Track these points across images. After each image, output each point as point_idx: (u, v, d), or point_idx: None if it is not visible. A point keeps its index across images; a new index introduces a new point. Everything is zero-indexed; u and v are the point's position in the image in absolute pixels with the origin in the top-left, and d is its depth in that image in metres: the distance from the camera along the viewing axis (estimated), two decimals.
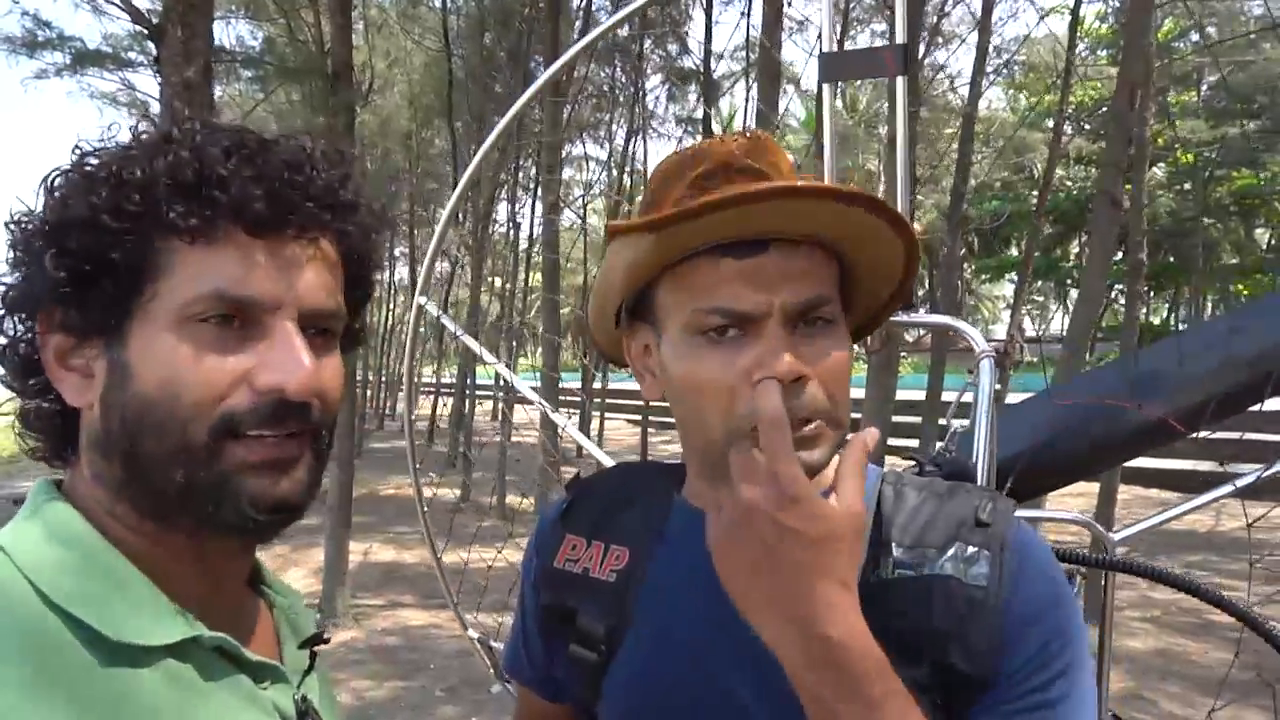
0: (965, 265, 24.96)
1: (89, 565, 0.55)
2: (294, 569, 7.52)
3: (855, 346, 0.81)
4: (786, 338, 0.67)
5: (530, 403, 2.07)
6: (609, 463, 1.77)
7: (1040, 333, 36.79)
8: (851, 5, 13.53)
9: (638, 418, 17.18)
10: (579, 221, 20.15)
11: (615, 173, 16.27)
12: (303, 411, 0.58)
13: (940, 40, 14.29)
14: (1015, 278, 18.18)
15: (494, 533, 8.73)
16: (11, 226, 0.59)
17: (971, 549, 0.69)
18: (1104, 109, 20.37)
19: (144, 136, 0.60)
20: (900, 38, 1.32)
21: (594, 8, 12.58)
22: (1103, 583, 1.19)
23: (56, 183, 0.58)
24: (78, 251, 0.55)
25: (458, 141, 13.41)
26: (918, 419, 9.77)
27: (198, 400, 0.55)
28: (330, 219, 0.61)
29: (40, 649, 0.50)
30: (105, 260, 0.55)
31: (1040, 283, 28.99)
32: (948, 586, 0.67)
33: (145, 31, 3.25)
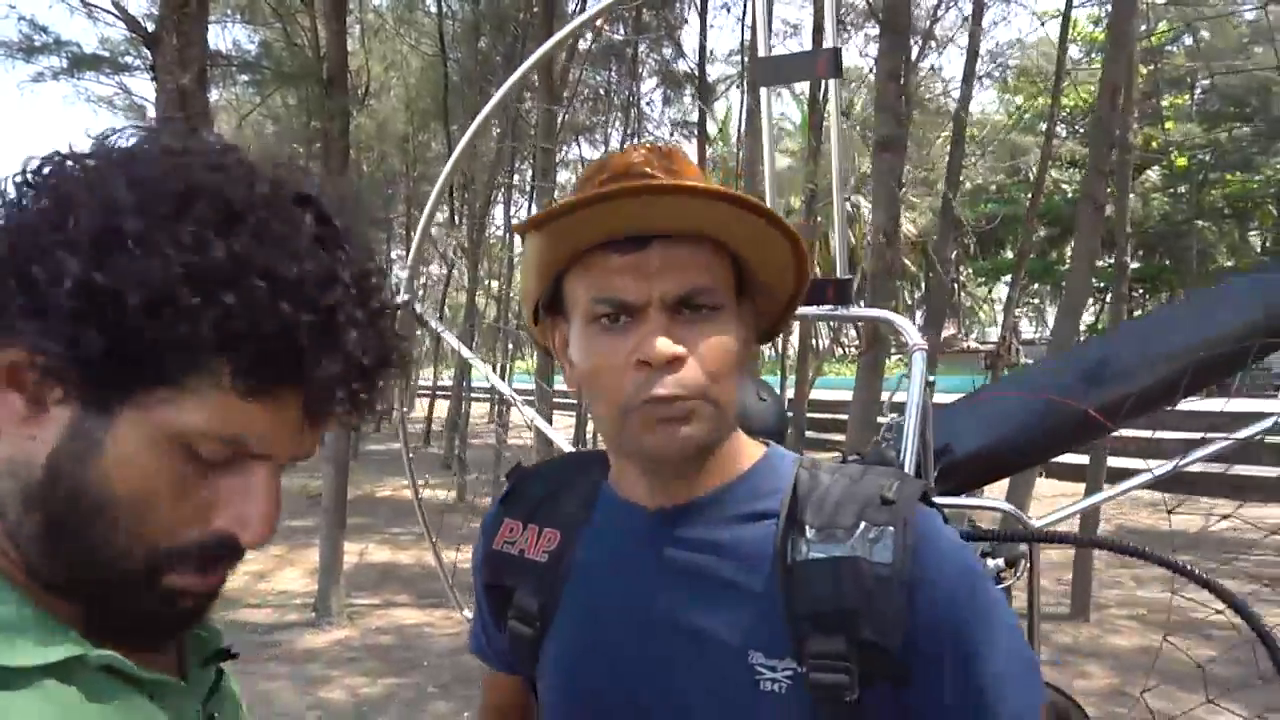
0: (960, 268, 25.02)
1: None
2: (289, 569, 7.57)
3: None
4: (666, 324, 0.72)
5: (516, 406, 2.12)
6: (566, 445, 1.84)
7: (1037, 335, 36.88)
8: (844, 11, 13.62)
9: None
10: None
11: None
12: (238, 552, 0.56)
13: (933, 44, 14.38)
14: (1010, 280, 18.27)
15: None
16: (12, 230, 0.51)
17: (876, 529, 0.73)
18: (1094, 112, 20.45)
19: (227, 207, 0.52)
20: (830, 42, 1.39)
21: (587, 10, 12.64)
22: (1028, 557, 1.25)
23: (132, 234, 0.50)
24: (106, 327, 0.48)
25: (454, 145, 13.48)
26: None
27: (159, 532, 0.52)
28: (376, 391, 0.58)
29: None
30: (127, 352, 0.48)
31: (1036, 285, 29.06)
32: (856, 566, 0.71)
33: (141, 38, 3.30)
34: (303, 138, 15.97)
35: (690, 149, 18.88)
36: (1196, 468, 1.32)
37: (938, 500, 0.82)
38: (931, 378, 1.18)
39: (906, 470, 1.12)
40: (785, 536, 0.75)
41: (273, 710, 4.64)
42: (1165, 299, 29.34)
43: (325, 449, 5.95)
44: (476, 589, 0.95)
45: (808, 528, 0.75)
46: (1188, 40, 18.01)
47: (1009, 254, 27.07)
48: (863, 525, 0.73)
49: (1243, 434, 1.38)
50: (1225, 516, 2.79)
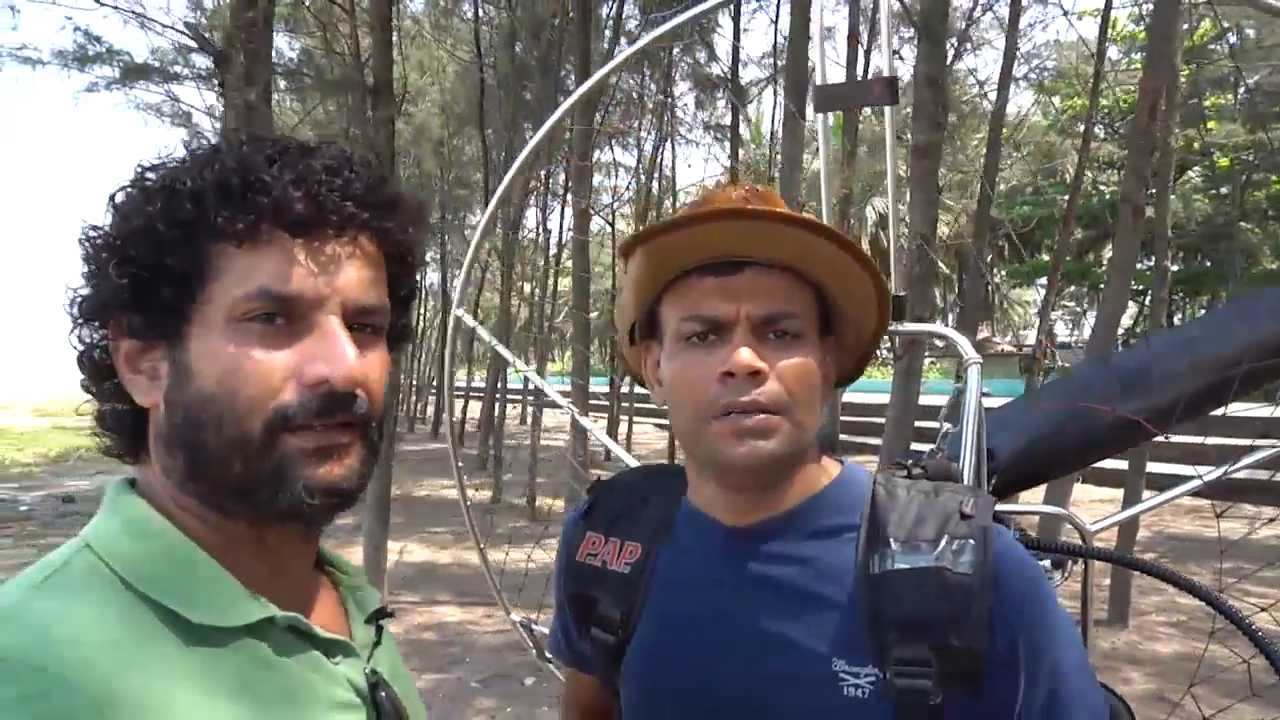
0: (995, 270, 24.75)
1: (166, 555, 0.59)
2: None
3: (878, 354, 0.91)
4: (751, 341, 0.78)
5: (560, 407, 2.18)
6: (635, 465, 1.89)
7: (1073, 338, 36.36)
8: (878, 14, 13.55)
9: (664, 422, 17.26)
10: (608, 227, 20.32)
11: (644, 179, 16.41)
12: (348, 402, 0.60)
13: (969, 46, 14.27)
14: (1045, 283, 18.04)
15: (526, 532, 8.87)
16: (83, 242, 0.62)
17: (958, 541, 0.77)
18: (1133, 114, 20.13)
19: (195, 151, 0.63)
20: (888, 71, 1.45)
21: (624, 16, 12.74)
22: (1081, 570, 1.29)
23: (118, 198, 0.62)
24: (138, 260, 0.59)
25: (489, 149, 13.64)
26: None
27: (251, 396, 0.58)
28: (369, 218, 0.63)
29: (128, 630, 0.53)
30: (163, 266, 0.58)
31: (1072, 287, 28.65)
32: (941, 576, 0.75)
33: (211, 56, 3.44)
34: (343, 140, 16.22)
35: (721, 152, 18.89)
36: (1244, 474, 1.35)
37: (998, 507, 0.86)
38: (987, 389, 1.23)
39: (966, 481, 1.16)
40: (868, 550, 0.80)
41: None
42: (1206, 302, 28.79)
43: None
44: (557, 595, 1.00)
45: (892, 541, 0.79)
46: (1231, 38, 17.67)
47: (1044, 256, 26.71)
48: (945, 538, 0.77)
49: None
50: (1271, 520, 2.81)
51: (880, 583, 0.77)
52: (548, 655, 2.00)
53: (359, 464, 0.63)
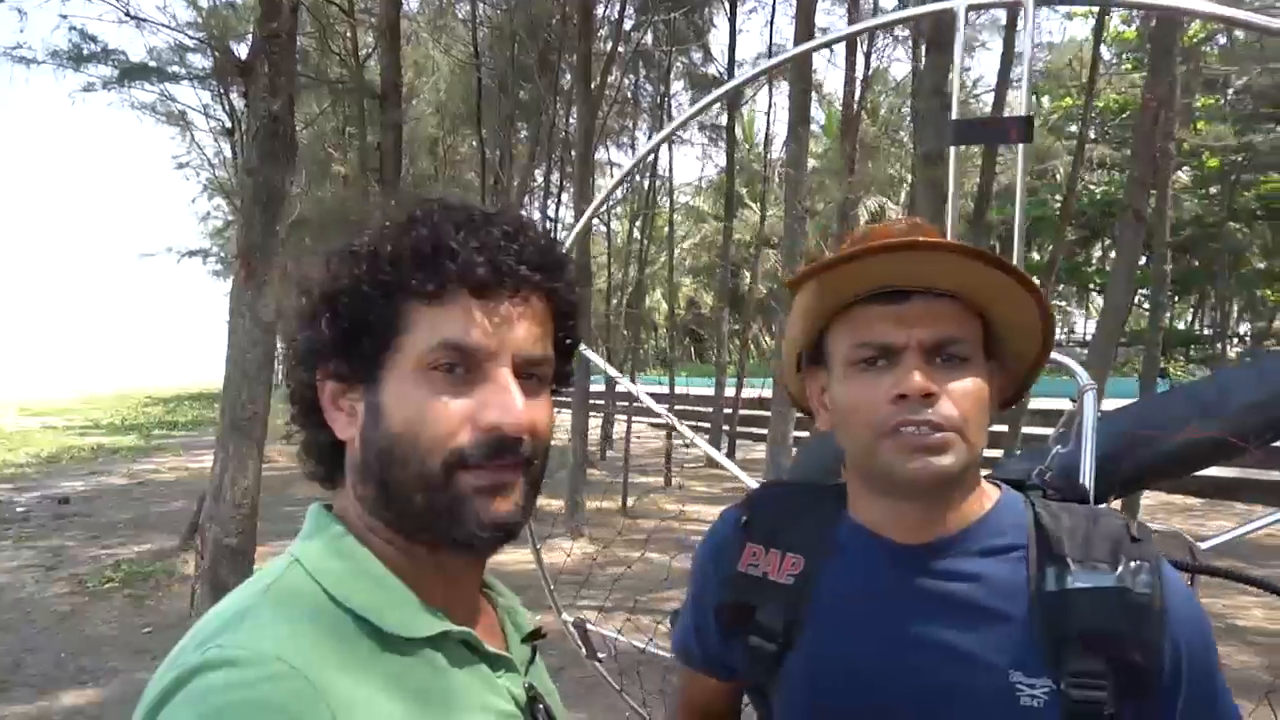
0: None
1: (362, 573, 0.66)
2: None
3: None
4: (922, 365, 0.82)
5: (659, 416, 2.16)
6: (738, 471, 1.90)
7: (1064, 337, 36.60)
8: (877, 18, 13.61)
9: (660, 422, 17.23)
10: (603, 227, 20.33)
11: (639, 179, 16.45)
12: (516, 445, 0.66)
13: (968, 49, 14.30)
14: (1039, 282, 18.11)
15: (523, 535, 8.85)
16: (301, 295, 0.72)
17: (1135, 563, 0.81)
18: (1127, 114, 20.29)
19: (395, 219, 0.71)
20: (1025, 110, 1.48)
21: (624, 17, 12.75)
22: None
23: (331, 260, 0.70)
24: (344, 314, 0.67)
25: (486, 149, 13.65)
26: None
27: (433, 437, 0.64)
28: (539, 280, 0.70)
29: (335, 636, 0.61)
30: (365, 321, 0.67)
31: (1061, 286, 28.83)
32: (1123, 595, 0.79)
33: (236, 67, 3.45)
34: (335, 143, 16.22)
35: (717, 152, 18.91)
36: None
37: None
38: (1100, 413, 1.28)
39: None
40: (1040, 567, 0.84)
41: None
42: (1196, 300, 29.02)
43: None
44: (700, 604, 1.03)
45: (1069, 560, 0.83)
46: (1221, 40, 17.81)
47: (1036, 256, 26.86)
48: (1123, 559, 0.82)
49: None
50: None
51: (1058, 599, 0.81)
52: (598, 657, 2.04)
53: (523, 500, 0.69)
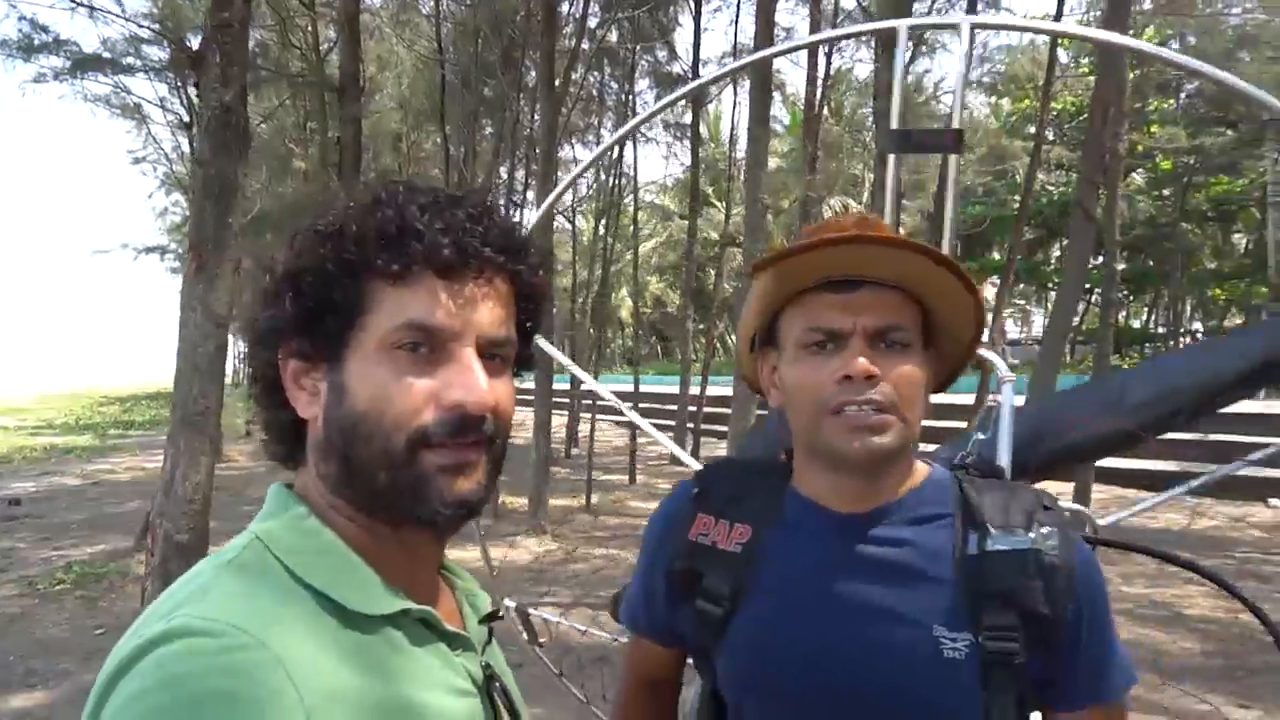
0: None
1: (324, 551, 0.67)
2: None
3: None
4: (866, 350, 0.89)
5: (621, 413, 2.20)
6: (694, 464, 1.96)
7: (1023, 335, 37.30)
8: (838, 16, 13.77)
9: (623, 419, 17.28)
10: (568, 225, 20.30)
11: (604, 176, 16.45)
12: (479, 424, 0.68)
13: (923, 49, 14.55)
14: (997, 281, 18.49)
15: (495, 531, 8.85)
16: (265, 273, 0.72)
17: (1046, 529, 0.91)
18: (1084, 116, 20.71)
19: (360, 200, 0.71)
20: (957, 123, 1.55)
21: (589, 14, 12.74)
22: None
23: (295, 239, 0.71)
24: (308, 293, 0.67)
25: (450, 145, 13.56)
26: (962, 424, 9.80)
27: (397, 415, 0.65)
28: (504, 261, 0.71)
29: (297, 610, 0.62)
30: (329, 300, 0.67)
31: (1020, 285, 29.37)
32: (1037, 556, 0.88)
33: (187, 57, 3.39)
34: (296, 138, 16.01)
35: (683, 150, 18.97)
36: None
37: None
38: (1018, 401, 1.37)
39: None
40: (965, 533, 0.92)
41: None
42: (1150, 299, 29.71)
43: None
44: (650, 572, 1.08)
45: (990, 526, 0.91)
46: (1175, 45, 18.25)
47: (995, 255, 27.32)
48: (1035, 525, 0.91)
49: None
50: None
51: (979, 561, 0.90)
52: (539, 642, 2.07)
53: (485, 479, 0.71)
